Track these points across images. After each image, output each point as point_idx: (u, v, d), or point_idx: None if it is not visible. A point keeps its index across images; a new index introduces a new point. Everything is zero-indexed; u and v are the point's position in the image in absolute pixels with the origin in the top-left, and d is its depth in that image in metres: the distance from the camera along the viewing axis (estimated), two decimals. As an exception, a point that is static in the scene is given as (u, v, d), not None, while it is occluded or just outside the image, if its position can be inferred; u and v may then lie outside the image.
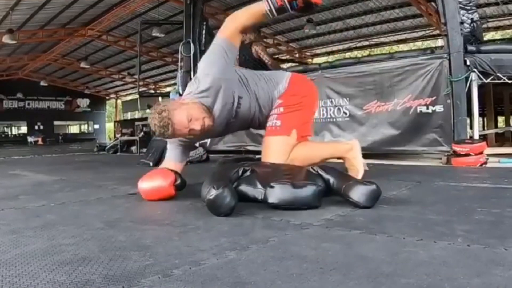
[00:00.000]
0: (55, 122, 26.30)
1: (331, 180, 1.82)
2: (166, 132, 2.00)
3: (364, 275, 0.93)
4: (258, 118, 2.41)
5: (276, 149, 2.29)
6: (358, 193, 1.70)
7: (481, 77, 3.94)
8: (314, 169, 1.90)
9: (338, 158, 2.43)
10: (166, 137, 2.09)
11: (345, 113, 4.78)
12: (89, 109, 27.45)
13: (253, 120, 2.41)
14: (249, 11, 2.16)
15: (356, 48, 14.00)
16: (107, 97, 27.95)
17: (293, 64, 11.72)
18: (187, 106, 2.05)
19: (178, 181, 2.09)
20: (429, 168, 3.66)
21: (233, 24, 2.16)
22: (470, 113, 4.09)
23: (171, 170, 2.15)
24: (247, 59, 6.23)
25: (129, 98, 25.56)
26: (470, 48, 3.98)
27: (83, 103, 27.09)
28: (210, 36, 7.20)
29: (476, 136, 4.01)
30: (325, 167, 1.95)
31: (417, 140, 4.19)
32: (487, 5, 9.64)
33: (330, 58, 14.80)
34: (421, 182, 2.60)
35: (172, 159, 2.32)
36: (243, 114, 2.30)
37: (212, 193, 1.60)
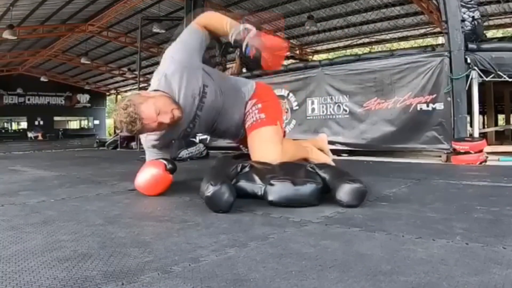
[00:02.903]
0: (55, 118, 26.33)
1: (327, 177, 1.81)
2: (134, 127, 1.91)
3: (362, 272, 0.93)
4: (228, 118, 2.33)
5: (270, 138, 2.24)
6: (341, 192, 1.68)
7: (482, 75, 3.93)
8: (311, 167, 1.90)
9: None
10: (134, 133, 1.99)
11: (345, 110, 4.78)
12: (89, 105, 27.47)
13: (220, 118, 2.31)
14: (220, 22, 2.15)
15: (357, 45, 14.00)
16: (107, 93, 27.95)
17: (294, 61, 11.71)
18: (154, 99, 1.96)
19: (169, 165, 2.09)
20: (428, 166, 3.66)
21: (202, 20, 2.16)
22: (470, 111, 4.08)
23: (157, 160, 2.16)
24: (248, 56, 6.23)
25: (129, 94, 25.51)
26: (470, 46, 3.97)
27: (83, 98, 27.10)
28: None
29: (476, 134, 4.01)
30: (322, 165, 1.95)
31: (417, 137, 4.18)
32: (489, 3, 9.63)
33: (331, 55, 14.79)
34: (420, 180, 2.60)
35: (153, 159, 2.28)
36: (209, 107, 2.20)
37: (210, 189, 1.60)
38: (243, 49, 2.01)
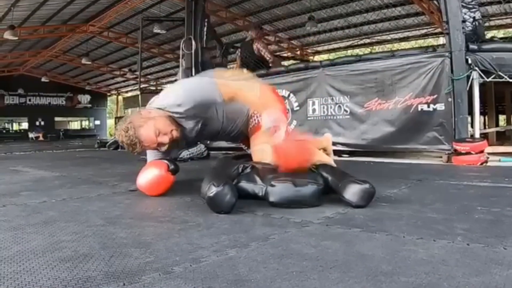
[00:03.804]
0: (56, 118, 26.33)
1: (330, 178, 1.82)
2: (134, 149, 2.03)
3: (363, 273, 0.93)
4: (231, 126, 2.41)
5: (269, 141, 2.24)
6: (350, 192, 1.69)
7: (483, 75, 3.93)
8: (313, 167, 1.90)
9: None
10: (135, 153, 2.11)
11: (346, 111, 4.77)
12: (90, 105, 27.47)
13: (223, 129, 2.40)
14: (248, 99, 2.23)
15: (358, 46, 13.97)
16: (108, 93, 27.95)
17: (294, 62, 11.70)
18: (153, 121, 2.03)
19: (172, 166, 2.11)
20: (429, 166, 3.66)
21: (238, 93, 2.18)
22: (471, 112, 4.08)
23: (159, 160, 2.19)
24: (249, 56, 6.23)
25: (130, 94, 25.55)
26: (471, 46, 3.97)
27: (84, 99, 27.10)
28: (212, 33, 7.21)
29: (477, 135, 4.01)
30: (324, 165, 1.95)
31: (418, 138, 4.18)
32: (490, 3, 9.61)
33: (332, 56, 14.77)
34: (421, 180, 2.60)
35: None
36: (210, 127, 2.32)
37: (212, 190, 1.59)
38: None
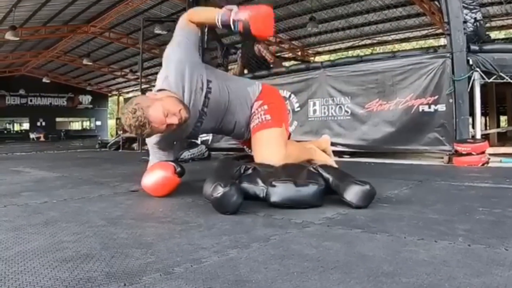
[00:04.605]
0: (57, 119, 26.38)
1: (331, 179, 1.81)
2: (144, 131, 1.93)
3: (364, 274, 0.93)
4: (234, 117, 2.35)
5: (274, 140, 2.24)
6: (351, 193, 1.68)
7: (484, 76, 3.93)
8: (314, 168, 1.90)
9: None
10: (144, 136, 2.04)
11: (347, 112, 4.77)
12: (91, 106, 27.52)
13: (226, 117, 2.33)
14: (207, 13, 2.20)
15: (359, 47, 13.98)
16: (109, 94, 27.99)
17: (295, 62, 11.70)
18: (161, 101, 1.97)
19: (178, 169, 2.10)
20: (430, 167, 3.65)
21: (191, 17, 2.19)
22: (472, 113, 4.08)
23: (166, 161, 2.17)
24: (250, 57, 6.24)
25: (131, 95, 25.57)
26: (473, 47, 3.96)
27: (85, 99, 27.15)
28: (212, 34, 7.21)
29: (478, 136, 4.00)
30: (325, 166, 1.95)
31: (419, 139, 4.18)
32: (491, 4, 9.61)
33: (333, 57, 14.78)
34: (422, 181, 2.59)
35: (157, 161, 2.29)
36: (214, 104, 2.22)
37: (219, 191, 1.58)
38: (232, 26, 2.03)
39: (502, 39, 9.75)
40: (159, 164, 2.17)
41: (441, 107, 4.04)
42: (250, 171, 1.92)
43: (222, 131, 2.50)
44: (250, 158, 2.32)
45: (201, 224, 1.46)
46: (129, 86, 24.70)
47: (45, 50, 17.50)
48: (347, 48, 14.52)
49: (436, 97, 4.07)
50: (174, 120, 1.95)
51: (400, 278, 0.89)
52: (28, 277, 0.92)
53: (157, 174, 2.09)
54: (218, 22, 2.08)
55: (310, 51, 15.57)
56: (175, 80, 2.08)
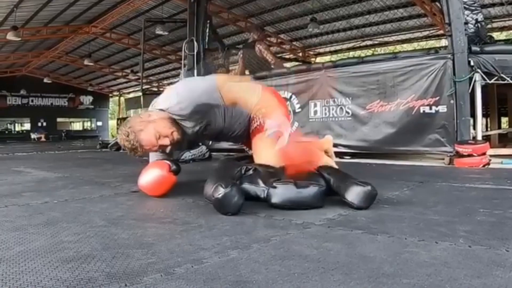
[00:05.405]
0: (58, 119, 26.38)
1: (331, 180, 1.81)
2: (137, 153, 2.06)
3: (365, 275, 0.93)
4: (232, 127, 2.42)
5: (273, 142, 2.23)
6: (352, 194, 1.69)
7: (485, 77, 3.92)
8: (315, 169, 1.90)
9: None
10: (138, 156, 2.14)
11: (348, 113, 4.77)
12: (92, 106, 27.51)
13: (225, 130, 2.41)
14: (248, 101, 2.29)
15: (360, 48, 13.97)
16: (110, 95, 28.00)
17: (296, 63, 11.71)
18: (154, 124, 2.05)
19: (173, 167, 2.12)
20: (431, 168, 3.65)
21: (239, 97, 2.24)
22: (473, 114, 4.07)
23: (161, 160, 2.20)
24: (251, 58, 6.24)
25: (132, 95, 25.60)
26: (474, 48, 3.96)
27: (86, 100, 27.15)
28: (214, 35, 7.22)
29: (479, 137, 4.00)
30: (326, 167, 1.95)
31: (420, 140, 4.17)
32: (492, 5, 9.61)
33: (334, 57, 14.78)
34: (423, 182, 2.59)
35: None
36: (212, 129, 2.34)
37: (221, 191, 1.59)
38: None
39: (504, 40, 9.74)
40: (154, 163, 2.20)
41: (442, 108, 4.03)
42: (251, 172, 1.92)
43: (220, 139, 2.62)
44: (251, 159, 2.32)
45: (202, 224, 1.46)
46: (130, 87, 24.71)
47: (46, 50, 17.51)
48: (348, 49, 14.52)
49: (437, 98, 4.07)
50: (166, 142, 2.06)
51: (401, 279, 0.89)
52: (29, 277, 0.92)
53: (152, 173, 2.10)
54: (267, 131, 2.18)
55: (311, 52, 15.56)
56: (176, 113, 2.12)
